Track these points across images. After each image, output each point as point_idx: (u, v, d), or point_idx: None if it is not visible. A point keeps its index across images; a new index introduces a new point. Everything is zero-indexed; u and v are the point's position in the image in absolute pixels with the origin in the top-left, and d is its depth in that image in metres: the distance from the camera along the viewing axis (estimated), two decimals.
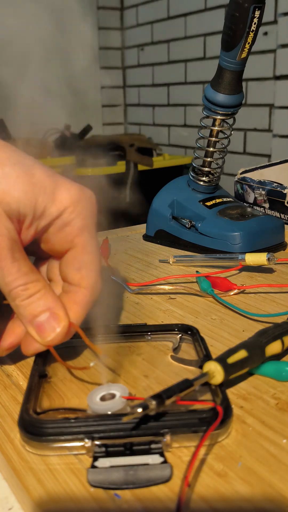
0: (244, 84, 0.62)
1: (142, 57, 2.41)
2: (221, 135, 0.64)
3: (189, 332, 0.38)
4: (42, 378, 0.34)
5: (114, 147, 2.00)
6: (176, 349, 0.37)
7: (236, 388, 0.33)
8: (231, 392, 0.33)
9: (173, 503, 0.24)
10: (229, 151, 0.66)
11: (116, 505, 0.24)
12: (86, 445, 0.27)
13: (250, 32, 0.54)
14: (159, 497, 0.25)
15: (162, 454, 0.26)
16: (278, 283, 0.53)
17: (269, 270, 0.56)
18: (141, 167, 1.98)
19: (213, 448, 0.28)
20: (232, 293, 0.49)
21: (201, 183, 0.65)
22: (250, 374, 0.35)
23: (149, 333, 0.39)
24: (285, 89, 1.67)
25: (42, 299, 0.31)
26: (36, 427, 0.28)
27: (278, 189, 0.78)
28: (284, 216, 0.78)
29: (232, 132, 0.64)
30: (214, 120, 0.62)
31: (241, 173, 0.88)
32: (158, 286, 0.51)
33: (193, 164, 0.66)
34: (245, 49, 0.55)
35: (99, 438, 0.27)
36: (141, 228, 0.74)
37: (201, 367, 0.31)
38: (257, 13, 0.53)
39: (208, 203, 0.64)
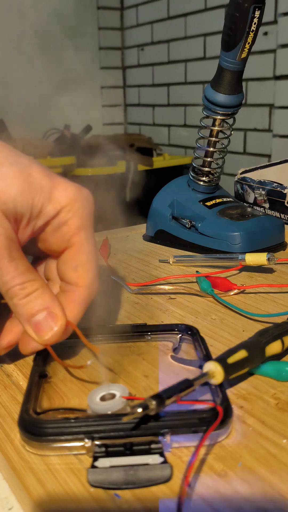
0: (244, 84, 0.62)
1: (142, 57, 2.41)
2: (221, 135, 0.64)
3: (189, 332, 0.38)
4: (42, 378, 0.34)
5: (114, 147, 2.00)
6: (176, 349, 0.37)
7: (236, 388, 0.33)
8: (231, 392, 0.33)
9: (173, 503, 0.24)
10: (229, 151, 0.66)
11: (116, 505, 0.24)
12: (86, 445, 0.27)
13: (250, 32, 0.54)
14: (159, 497, 0.25)
15: (162, 454, 0.26)
16: (278, 283, 0.53)
17: (269, 270, 0.56)
18: (141, 167, 1.98)
19: (213, 448, 0.28)
20: (232, 293, 0.49)
21: (201, 183, 0.65)
22: (250, 374, 0.35)
23: (149, 333, 0.39)
24: (285, 89, 1.67)
25: (40, 298, 0.32)
26: (36, 427, 0.28)
27: (278, 189, 0.78)
28: (284, 216, 0.78)
29: (232, 132, 0.64)
30: (214, 120, 0.62)
31: (241, 173, 0.88)
32: (158, 286, 0.51)
33: (193, 164, 0.66)
34: (245, 49, 0.55)
35: (99, 438, 0.27)
36: (141, 228, 0.74)
37: (201, 367, 0.31)
38: (257, 13, 0.53)
39: (208, 203, 0.64)
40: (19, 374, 0.36)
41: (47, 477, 0.26)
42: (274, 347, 0.34)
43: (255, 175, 0.86)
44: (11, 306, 0.32)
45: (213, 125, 0.62)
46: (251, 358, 0.32)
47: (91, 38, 2.45)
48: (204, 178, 0.65)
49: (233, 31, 0.54)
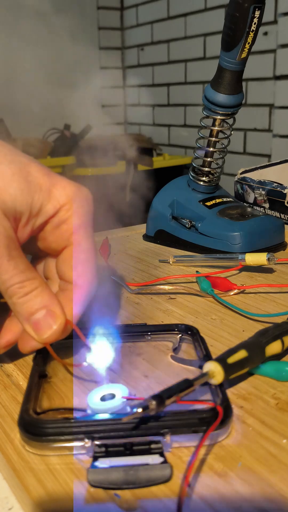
0: (244, 84, 0.62)
1: (142, 57, 2.41)
2: (221, 135, 0.64)
3: (189, 332, 0.38)
4: (42, 378, 0.34)
5: (114, 147, 2.00)
6: (176, 349, 0.37)
7: (236, 388, 0.33)
8: (231, 392, 0.33)
9: (173, 503, 0.24)
10: (229, 151, 0.66)
11: (116, 505, 0.24)
12: (86, 445, 0.27)
13: (250, 32, 0.54)
14: (159, 497, 0.25)
15: (162, 454, 0.26)
16: (278, 283, 0.53)
17: (269, 270, 0.56)
18: (141, 167, 1.98)
19: (213, 448, 0.28)
20: (232, 293, 0.49)
21: (201, 183, 0.65)
22: (250, 374, 0.35)
23: (149, 333, 0.39)
24: (285, 89, 1.67)
25: (39, 297, 0.32)
26: (36, 427, 0.28)
27: (278, 189, 0.78)
28: (284, 216, 0.78)
29: (232, 132, 0.64)
30: (214, 120, 0.62)
31: (241, 173, 0.88)
32: (158, 286, 0.51)
33: (193, 164, 0.66)
34: (245, 49, 0.55)
35: (99, 438, 0.27)
36: (141, 228, 0.74)
37: (201, 367, 0.31)
38: (257, 13, 0.53)
39: (208, 203, 0.64)
40: (19, 374, 0.36)
41: (47, 477, 0.26)
42: (274, 347, 0.34)
43: (255, 175, 0.86)
44: (10, 305, 0.32)
45: (213, 125, 0.62)
46: (251, 358, 0.32)
47: (91, 38, 2.45)
48: (204, 178, 0.65)
49: (233, 31, 0.54)
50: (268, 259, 0.49)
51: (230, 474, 0.26)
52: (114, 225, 0.75)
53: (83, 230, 0.33)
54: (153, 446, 0.27)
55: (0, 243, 0.30)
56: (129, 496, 0.25)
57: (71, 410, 0.30)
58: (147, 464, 0.26)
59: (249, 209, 0.65)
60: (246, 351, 0.32)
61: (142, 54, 2.40)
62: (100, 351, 0.35)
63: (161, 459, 0.26)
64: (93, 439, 0.27)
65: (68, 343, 0.36)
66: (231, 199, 0.67)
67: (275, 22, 1.64)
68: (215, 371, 0.30)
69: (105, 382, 0.32)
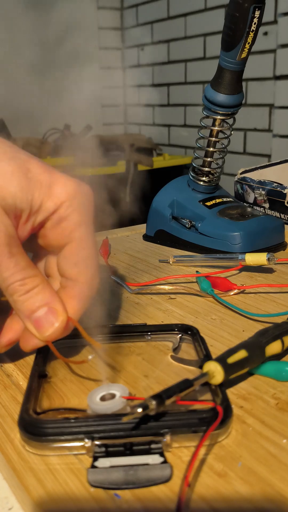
0: (244, 84, 0.62)
1: (142, 57, 2.41)
2: (221, 135, 0.64)
3: (189, 332, 0.38)
4: (42, 378, 0.34)
5: (114, 147, 2.00)
6: (176, 349, 0.37)
7: (236, 388, 0.33)
8: (231, 392, 0.33)
9: (173, 503, 0.24)
10: (229, 151, 0.66)
11: (116, 505, 0.24)
12: (86, 445, 0.27)
13: (250, 32, 0.54)
14: (159, 497, 0.25)
15: (162, 454, 0.26)
16: (278, 283, 0.53)
17: (269, 270, 0.56)
18: (141, 167, 1.98)
19: (213, 448, 0.28)
20: (232, 293, 0.49)
21: (201, 183, 0.65)
22: (250, 374, 0.35)
23: (149, 333, 0.39)
24: (285, 89, 1.67)
25: (40, 294, 0.31)
26: (36, 427, 0.28)
27: (278, 189, 0.78)
28: (284, 216, 0.78)
29: (232, 132, 0.64)
30: (214, 120, 0.62)
31: (241, 173, 0.88)
32: (158, 286, 0.51)
33: (193, 164, 0.66)
34: (245, 49, 0.55)
35: (99, 438, 0.27)
36: (141, 228, 0.74)
37: (201, 367, 0.31)
38: (257, 13, 0.53)
39: (208, 203, 0.64)
40: (19, 374, 0.36)
41: (47, 477, 0.26)
42: (274, 347, 0.34)
43: (255, 175, 0.86)
44: (11, 303, 0.32)
45: (213, 125, 0.62)
46: (251, 358, 0.32)
47: (91, 38, 2.45)
48: (204, 178, 0.65)
49: (233, 31, 0.54)
50: (268, 259, 0.49)
51: (230, 474, 0.26)
52: (114, 225, 0.75)
53: (84, 227, 0.33)
54: (153, 446, 0.27)
55: (1, 240, 0.30)
56: (129, 496, 0.25)
57: (71, 410, 0.30)
58: (147, 464, 0.26)
59: (249, 209, 0.65)
60: (246, 351, 0.32)
61: (142, 54, 2.40)
62: (101, 351, 0.35)
63: (161, 459, 0.26)
64: (93, 439, 0.27)
65: (70, 342, 0.36)
66: (231, 199, 0.67)
67: (275, 22, 1.64)
68: (215, 371, 0.30)
69: (105, 382, 0.32)
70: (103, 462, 0.26)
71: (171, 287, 0.51)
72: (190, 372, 0.34)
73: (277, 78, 1.68)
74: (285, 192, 0.77)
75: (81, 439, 0.27)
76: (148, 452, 0.27)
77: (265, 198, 0.81)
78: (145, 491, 0.25)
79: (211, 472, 0.26)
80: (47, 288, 0.32)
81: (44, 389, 0.33)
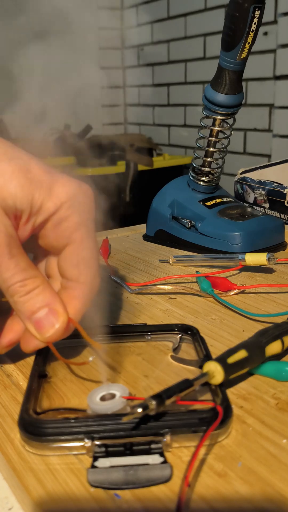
0: (244, 84, 0.62)
1: (142, 57, 2.41)
2: (221, 135, 0.64)
3: (189, 332, 0.38)
4: (42, 378, 0.34)
5: (114, 147, 2.00)
6: (176, 349, 0.37)
7: (236, 388, 0.33)
8: (231, 392, 0.33)
9: (173, 503, 0.24)
10: (229, 151, 0.66)
11: (116, 505, 0.24)
12: (86, 445, 0.27)
13: (250, 32, 0.54)
14: (159, 497, 0.25)
15: (162, 454, 0.26)
16: (278, 283, 0.53)
17: (269, 270, 0.56)
18: (141, 167, 1.98)
19: (213, 448, 0.28)
20: (232, 293, 0.49)
21: (201, 183, 0.65)
22: (250, 374, 0.35)
23: (149, 333, 0.39)
24: (285, 89, 1.67)
25: (41, 295, 0.31)
26: (36, 427, 0.28)
27: (278, 189, 0.78)
28: (284, 216, 0.78)
29: (232, 132, 0.64)
30: (214, 120, 0.62)
31: (241, 173, 0.88)
32: (158, 286, 0.51)
33: (193, 164, 0.66)
34: (245, 49, 0.55)
35: (99, 438, 0.27)
36: (141, 228, 0.74)
37: (201, 367, 0.31)
38: (257, 13, 0.53)
39: (208, 203, 0.64)
40: (19, 374, 0.36)
41: (47, 477, 0.26)
42: (274, 347, 0.34)
43: (255, 175, 0.86)
44: (11, 304, 0.32)
45: (213, 125, 0.62)
46: (251, 358, 0.32)
47: (91, 38, 2.45)
48: (204, 178, 0.65)
49: (233, 31, 0.54)
50: (268, 259, 0.49)
51: (230, 474, 0.26)
52: (114, 225, 0.75)
53: (84, 227, 0.33)
54: (153, 446, 0.27)
55: (1, 241, 0.30)
56: (129, 496, 0.25)
57: (71, 410, 0.30)
58: (147, 464, 0.26)
59: (249, 209, 0.65)
60: (246, 351, 0.32)
61: (142, 54, 2.40)
62: (101, 351, 0.35)
63: (161, 459, 0.26)
64: (93, 439, 0.27)
65: (70, 343, 0.36)
66: (231, 199, 0.67)
67: (275, 22, 1.64)
68: (215, 371, 0.30)
69: (105, 382, 0.32)
70: (103, 462, 0.26)
71: (171, 287, 0.51)
72: (190, 372, 0.34)
73: (277, 78, 1.68)
74: (285, 192, 0.77)
75: (81, 439, 0.27)
76: (148, 452, 0.27)
77: (265, 198, 0.81)
78: (145, 491, 0.25)
79: (211, 472, 0.26)
80: (48, 289, 0.32)
81: (44, 389, 0.33)
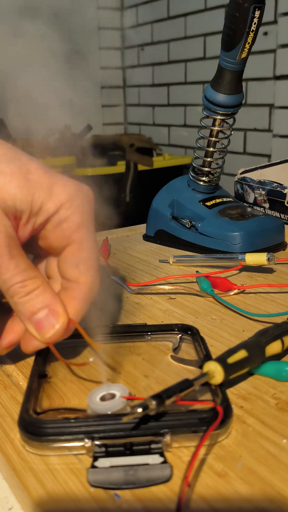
0: (244, 84, 0.62)
1: (142, 57, 2.41)
2: (221, 135, 0.64)
3: (189, 332, 0.38)
4: (42, 378, 0.34)
5: (114, 147, 2.00)
6: (176, 349, 0.37)
7: (236, 388, 0.33)
8: (231, 392, 0.33)
9: (173, 503, 0.24)
10: (229, 151, 0.66)
11: (116, 505, 0.24)
12: (86, 445, 0.27)
13: (250, 32, 0.54)
14: (159, 497, 0.25)
15: (162, 454, 0.26)
16: (278, 283, 0.53)
17: (269, 270, 0.56)
18: (141, 167, 1.98)
19: (213, 448, 0.28)
20: (232, 293, 0.49)
21: (201, 183, 0.65)
22: (250, 374, 0.35)
23: (149, 333, 0.39)
24: (285, 89, 1.67)
25: (41, 296, 0.31)
26: (36, 427, 0.28)
27: (278, 189, 0.78)
28: (284, 216, 0.78)
29: (232, 132, 0.64)
30: (214, 120, 0.62)
31: (241, 173, 0.88)
32: (158, 286, 0.51)
33: (193, 164, 0.66)
34: (245, 49, 0.55)
35: (99, 438, 0.27)
36: (141, 228, 0.74)
37: (201, 367, 0.31)
38: (257, 13, 0.53)
39: (208, 203, 0.64)
40: (19, 374, 0.36)
41: (47, 477, 0.26)
42: (274, 347, 0.34)
43: (255, 175, 0.86)
44: (12, 305, 0.32)
45: (213, 125, 0.62)
46: (251, 358, 0.32)
47: (91, 38, 2.45)
48: (204, 178, 0.65)
49: (233, 31, 0.54)
50: (268, 259, 0.49)
51: (230, 474, 0.26)
52: (114, 225, 0.75)
53: (84, 228, 0.33)
54: (153, 446, 0.27)
55: (1, 242, 0.30)
56: (129, 496, 0.25)
57: (71, 410, 0.30)
58: (147, 464, 0.26)
59: (249, 209, 0.65)
60: (246, 351, 0.32)
61: (142, 54, 2.40)
62: (101, 351, 0.35)
63: (161, 459, 0.26)
64: (93, 439, 0.27)
65: (70, 343, 0.36)
66: (231, 199, 0.67)
67: (275, 22, 1.64)
68: (215, 371, 0.30)
69: (105, 382, 0.32)
70: (103, 462, 0.26)
71: (171, 287, 0.51)
72: (190, 372, 0.34)
73: (277, 78, 1.68)
74: (285, 192, 0.77)
75: (81, 439, 0.27)
76: (148, 452, 0.27)
77: (265, 198, 0.81)
78: (145, 491, 0.25)
79: (211, 472, 0.26)
80: (48, 289, 0.32)
81: (44, 389, 0.33)
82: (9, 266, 0.30)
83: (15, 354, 0.37)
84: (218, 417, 0.28)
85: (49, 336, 0.32)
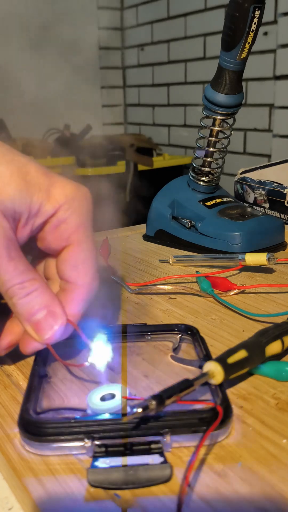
0: (244, 84, 0.62)
1: (142, 57, 2.41)
2: (221, 135, 0.64)
3: (189, 332, 0.38)
4: (42, 378, 0.34)
5: (114, 147, 2.00)
6: (176, 349, 0.37)
7: (236, 388, 0.33)
8: (231, 392, 0.33)
9: (173, 503, 0.24)
10: (229, 151, 0.66)
11: (116, 505, 0.24)
12: (86, 445, 0.27)
13: (250, 32, 0.54)
14: (159, 497, 0.25)
15: (162, 454, 0.26)
16: (278, 283, 0.53)
17: (269, 270, 0.56)
18: (141, 167, 1.98)
19: (213, 448, 0.28)
20: (232, 293, 0.49)
21: (201, 183, 0.65)
22: (250, 374, 0.35)
23: (149, 333, 0.39)
24: (285, 89, 1.67)
25: (39, 297, 0.31)
26: (36, 427, 0.28)
27: (278, 189, 0.78)
28: (284, 216, 0.78)
29: (232, 132, 0.64)
30: (214, 120, 0.62)
31: (241, 173, 0.88)
32: (158, 286, 0.51)
33: (193, 164, 0.66)
34: (245, 49, 0.55)
35: (99, 438, 0.27)
36: (141, 228, 0.74)
37: (201, 367, 0.31)
38: (257, 13, 0.53)
39: (208, 203, 0.64)
40: (19, 374, 0.36)
41: (47, 477, 0.26)
42: (274, 347, 0.34)
43: (255, 175, 0.86)
44: (10, 306, 0.32)
45: (213, 125, 0.62)
46: (251, 358, 0.32)
47: (91, 38, 2.45)
48: (204, 178, 0.65)
49: (233, 31, 0.54)
50: (268, 259, 0.49)
51: (230, 474, 0.26)
52: (114, 225, 0.75)
53: (82, 229, 0.33)
54: (153, 446, 0.27)
55: (0, 244, 0.30)
56: (129, 496, 0.25)
57: (71, 410, 0.30)
58: (147, 464, 0.26)
59: (249, 209, 0.65)
60: (246, 351, 0.32)
61: (142, 54, 2.40)
62: (101, 351, 0.35)
63: (161, 459, 0.26)
64: (93, 439, 0.27)
65: (69, 343, 0.36)
66: (231, 199, 0.67)
67: (275, 22, 1.64)
68: (215, 371, 0.30)
69: (105, 382, 0.32)
70: (103, 462, 0.26)
71: (171, 287, 0.51)
72: (190, 372, 0.34)
73: (277, 78, 1.68)
74: (285, 192, 0.77)
75: (81, 439, 0.27)
76: (148, 452, 0.27)
77: (265, 198, 0.81)
78: (145, 491, 0.25)
79: (211, 472, 0.26)
80: (46, 291, 0.32)
81: (44, 389, 0.33)
82: (8, 268, 0.30)
83: (15, 354, 0.37)
84: (218, 417, 0.28)
85: (47, 337, 0.32)
